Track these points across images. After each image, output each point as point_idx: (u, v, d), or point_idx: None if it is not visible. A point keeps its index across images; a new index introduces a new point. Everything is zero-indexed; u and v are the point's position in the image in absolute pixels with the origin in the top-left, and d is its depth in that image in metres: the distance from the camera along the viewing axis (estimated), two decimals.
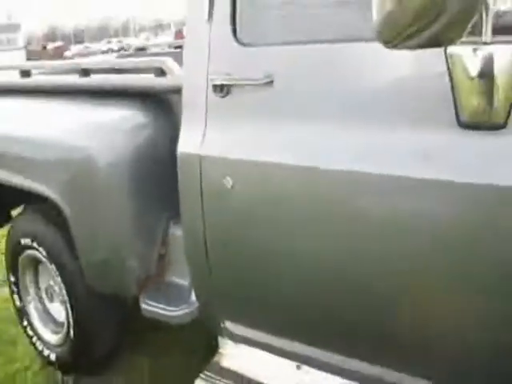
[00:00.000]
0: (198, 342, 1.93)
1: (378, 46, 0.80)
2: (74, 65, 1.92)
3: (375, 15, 0.77)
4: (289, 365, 1.43)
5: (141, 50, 2.99)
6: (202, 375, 1.52)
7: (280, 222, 1.20)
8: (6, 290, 2.28)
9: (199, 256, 1.38)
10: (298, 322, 1.35)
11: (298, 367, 1.42)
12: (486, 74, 0.88)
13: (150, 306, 1.58)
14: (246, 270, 1.34)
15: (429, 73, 0.96)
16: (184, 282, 1.57)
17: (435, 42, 0.80)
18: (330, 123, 1.09)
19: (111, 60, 2.09)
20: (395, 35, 0.78)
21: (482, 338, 1.01)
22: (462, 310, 1.03)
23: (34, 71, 2.03)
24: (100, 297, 1.81)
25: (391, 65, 1.01)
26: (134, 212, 1.57)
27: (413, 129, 0.98)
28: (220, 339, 1.58)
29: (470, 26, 0.78)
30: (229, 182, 1.21)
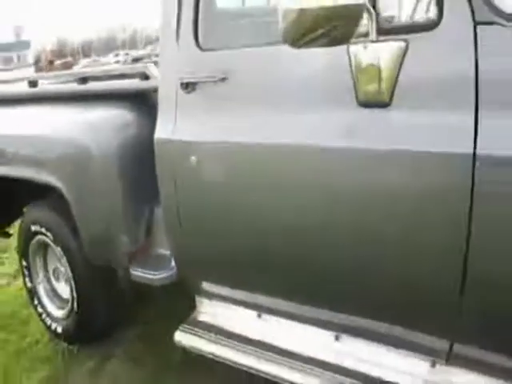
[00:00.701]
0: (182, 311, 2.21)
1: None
2: (74, 74, 2.23)
3: (281, 23, 1.07)
4: (252, 314, 1.70)
5: (137, 60, 3.32)
6: (181, 328, 1.81)
7: (236, 190, 1.50)
8: (17, 282, 2.58)
9: (174, 226, 1.68)
10: (260, 277, 1.63)
11: (259, 316, 1.70)
12: (374, 65, 1.18)
13: (138, 272, 1.88)
14: (214, 236, 1.63)
15: (339, 65, 1.24)
16: (166, 252, 1.86)
17: (335, 43, 1.09)
18: (271, 108, 1.38)
19: (103, 68, 2.40)
20: (299, 39, 1.07)
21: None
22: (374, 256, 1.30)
23: (40, 81, 2.36)
24: (98, 273, 2.11)
25: (313, 61, 1.30)
26: (124, 195, 1.86)
27: (330, 109, 1.27)
28: (197, 298, 1.86)
29: (356, 29, 1.08)
30: (194, 160, 1.51)
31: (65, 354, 2.23)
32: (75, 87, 2.06)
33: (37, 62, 17.79)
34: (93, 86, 2.02)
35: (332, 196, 1.31)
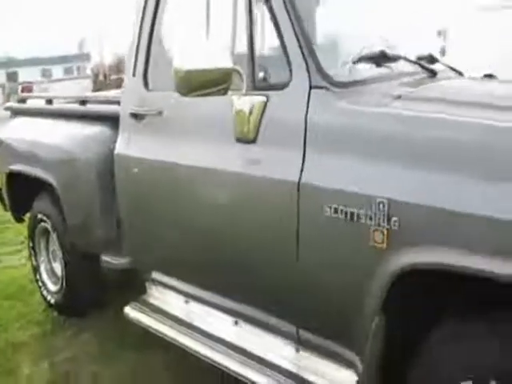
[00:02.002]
0: None
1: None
2: (76, 97, 2.79)
3: (174, 78, 1.50)
4: (181, 299, 2.12)
5: None
6: (131, 305, 2.26)
7: (164, 198, 1.94)
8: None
9: (125, 223, 2.15)
10: (184, 268, 2.05)
11: (186, 302, 2.11)
12: (244, 112, 1.58)
13: (106, 257, 2.36)
14: (150, 233, 2.08)
15: (226, 110, 1.64)
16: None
17: (215, 95, 1.52)
18: (186, 138, 1.82)
19: (96, 94, 2.94)
20: (187, 91, 1.51)
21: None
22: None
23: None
24: (82, 257, 2.61)
25: (212, 105, 1.70)
26: (100, 195, 2.35)
27: (221, 142, 1.68)
28: (146, 284, 2.30)
29: (229, 85, 1.49)
30: (136, 171, 1.98)
31: (53, 321, 2.76)
32: (73, 107, 2.61)
33: (95, 74, 19.24)
34: (85, 108, 2.55)
35: (215, 206, 1.72)
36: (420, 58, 1.98)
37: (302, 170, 1.44)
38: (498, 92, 1.80)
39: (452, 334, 1.26)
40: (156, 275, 2.24)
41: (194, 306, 2.08)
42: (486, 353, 1.18)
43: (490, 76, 2.11)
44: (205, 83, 1.50)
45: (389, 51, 1.70)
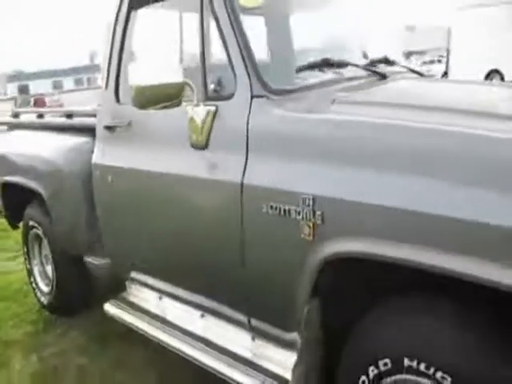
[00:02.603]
0: None
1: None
2: (64, 111, 2.98)
3: (132, 93, 1.68)
4: (155, 296, 2.28)
5: None
6: (110, 301, 2.43)
7: (136, 201, 2.10)
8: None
9: (104, 228, 2.32)
10: (157, 267, 2.21)
11: (160, 298, 2.26)
12: (196, 121, 1.74)
13: (88, 259, 2.53)
14: (125, 236, 2.24)
15: (183, 120, 1.81)
16: None
17: (168, 107, 1.68)
18: (152, 147, 1.98)
19: (84, 108, 3.13)
20: (143, 105, 1.68)
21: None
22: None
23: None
24: (70, 260, 2.78)
25: (174, 116, 1.86)
26: (82, 202, 2.52)
27: (179, 148, 1.84)
28: (127, 283, 2.47)
29: (181, 97, 1.66)
30: (110, 178, 2.15)
31: (45, 320, 2.95)
32: (59, 121, 2.80)
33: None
34: (70, 121, 2.75)
35: (175, 209, 1.89)
36: (374, 62, 2.14)
37: (244, 172, 1.59)
38: (440, 93, 1.94)
39: (374, 318, 1.40)
40: (134, 274, 2.40)
41: (167, 301, 2.23)
42: (400, 335, 1.32)
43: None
44: (159, 97, 1.67)
45: (334, 58, 1.86)
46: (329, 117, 1.50)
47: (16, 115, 3.33)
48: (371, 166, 1.33)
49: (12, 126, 3.30)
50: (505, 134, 1.22)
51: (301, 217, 1.43)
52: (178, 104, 1.70)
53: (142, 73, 1.68)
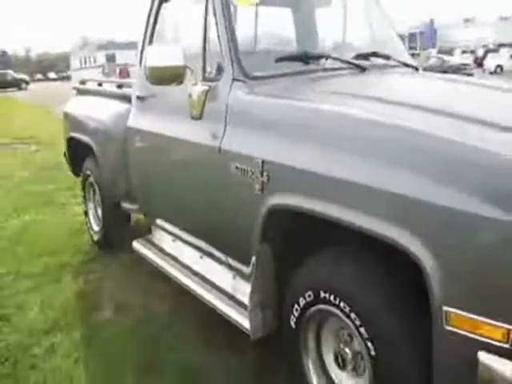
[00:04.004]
0: None
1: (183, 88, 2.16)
2: (117, 82, 3.55)
3: (147, 72, 2.15)
4: (170, 238, 2.80)
5: None
6: (138, 240, 3.00)
7: (156, 159, 2.61)
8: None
9: (134, 181, 2.86)
10: (173, 215, 2.72)
11: (174, 240, 2.78)
12: (193, 97, 2.17)
13: (124, 204, 3.12)
14: (151, 190, 2.77)
15: (186, 95, 2.25)
16: None
17: (177, 84, 2.14)
18: (168, 115, 2.46)
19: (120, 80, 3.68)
20: (155, 81, 2.16)
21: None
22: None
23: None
24: (112, 204, 3.38)
25: (182, 92, 2.31)
26: (122, 157, 3.08)
27: (183, 120, 2.29)
28: (152, 227, 3.02)
29: (183, 77, 2.11)
30: (137, 139, 2.67)
31: (95, 253, 3.62)
32: (111, 90, 3.37)
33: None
34: (119, 90, 3.30)
35: (180, 166, 2.36)
36: (362, 55, 2.43)
37: (222, 139, 2.01)
38: (407, 88, 2.18)
39: (306, 262, 1.78)
40: (158, 221, 2.94)
41: (178, 243, 2.75)
42: (319, 274, 1.69)
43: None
44: (166, 76, 2.13)
45: (313, 52, 2.20)
46: (280, 101, 1.87)
47: (83, 82, 3.98)
48: (306, 140, 1.69)
49: (78, 92, 3.95)
50: (430, 129, 1.42)
51: (254, 176, 1.83)
52: (181, 82, 2.14)
53: (156, 55, 2.14)
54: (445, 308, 1.28)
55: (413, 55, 29.59)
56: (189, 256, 2.64)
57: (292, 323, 1.81)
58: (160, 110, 2.54)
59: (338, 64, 2.29)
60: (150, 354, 2.34)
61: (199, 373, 2.20)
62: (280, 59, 2.14)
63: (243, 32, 2.20)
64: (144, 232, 3.15)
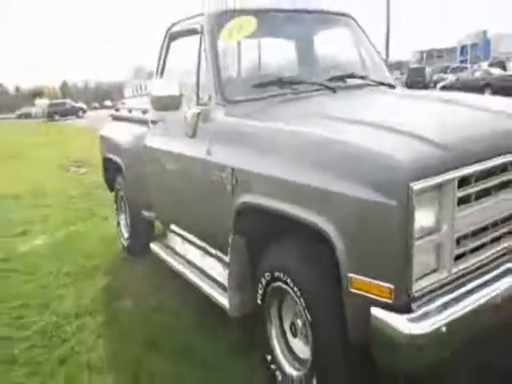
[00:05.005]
0: None
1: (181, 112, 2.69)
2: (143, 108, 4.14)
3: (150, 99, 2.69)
4: (180, 240, 3.27)
5: None
6: (155, 242, 3.51)
7: (164, 171, 3.12)
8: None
9: (151, 193, 3.39)
10: (180, 220, 3.20)
11: (183, 242, 3.25)
12: (188, 119, 2.65)
13: (144, 213, 3.65)
14: (162, 198, 3.27)
15: (183, 118, 2.74)
16: None
17: (175, 110, 2.66)
18: (171, 135, 2.96)
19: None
20: (157, 108, 2.69)
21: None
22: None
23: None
24: (136, 213, 3.90)
25: (178, 115, 2.81)
26: (142, 172, 3.62)
27: (182, 139, 2.78)
28: (167, 232, 3.51)
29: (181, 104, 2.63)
30: (150, 156, 3.20)
31: (125, 257, 4.17)
32: (136, 115, 3.95)
33: None
34: (142, 116, 3.87)
35: (180, 176, 2.85)
36: (334, 78, 2.84)
37: (208, 153, 2.48)
38: (367, 106, 2.54)
39: (268, 248, 2.18)
40: (173, 227, 3.43)
41: (186, 245, 3.22)
42: (275, 257, 2.10)
43: None
44: (165, 103, 2.64)
45: (289, 77, 2.64)
46: (247, 121, 2.33)
47: (117, 110, 4.62)
48: (264, 150, 2.12)
49: (114, 118, 4.59)
50: (343, 137, 1.81)
51: (227, 180, 2.27)
52: (178, 108, 2.64)
53: (157, 87, 2.66)
54: (349, 275, 1.65)
55: (459, 69, 29.15)
56: (193, 254, 3.10)
57: (258, 300, 2.21)
58: (167, 131, 3.05)
59: (311, 87, 2.72)
60: (157, 334, 2.80)
61: (193, 348, 2.63)
62: (256, 85, 2.60)
63: (228, 63, 2.67)
64: (162, 236, 3.66)
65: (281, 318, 2.21)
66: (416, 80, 24.10)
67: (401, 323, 1.53)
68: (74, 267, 3.99)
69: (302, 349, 2.09)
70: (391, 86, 3.06)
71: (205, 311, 2.92)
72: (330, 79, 2.83)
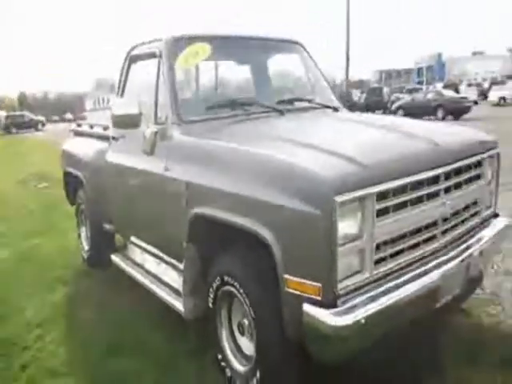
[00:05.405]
0: None
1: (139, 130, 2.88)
2: (103, 125, 4.30)
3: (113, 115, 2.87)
4: (139, 251, 3.44)
5: None
6: (115, 254, 3.66)
7: (122, 185, 3.29)
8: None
9: (110, 207, 3.55)
10: (139, 232, 3.37)
11: (142, 253, 3.42)
12: (146, 137, 2.86)
13: (105, 225, 3.80)
14: (122, 211, 3.44)
15: (141, 136, 2.95)
16: None
17: (134, 128, 2.86)
18: (131, 151, 3.15)
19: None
20: (115, 125, 2.88)
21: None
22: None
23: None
24: (96, 226, 4.05)
25: (137, 133, 3.02)
26: (102, 186, 3.78)
27: (141, 155, 2.98)
28: (127, 243, 3.67)
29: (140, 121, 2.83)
30: (110, 170, 3.37)
31: (85, 269, 4.27)
32: (96, 131, 4.11)
33: None
34: (102, 132, 4.03)
35: (139, 190, 3.04)
36: (283, 101, 3.12)
37: (164, 169, 2.68)
38: (308, 128, 2.81)
39: (219, 255, 2.40)
40: (133, 238, 3.59)
41: (145, 255, 3.39)
42: (225, 264, 2.32)
43: None
44: (125, 121, 2.84)
45: (241, 99, 2.90)
46: (198, 140, 2.56)
47: (78, 125, 4.76)
48: (212, 166, 2.35)
49: (75, 133, 4.72)
50: (273, 153, 2.09)
51: (182, 193, 2.49)
52: (137, 126, 2.85)
53: (117, 105, 2.86)
54: (284, 276, 1.90)
55: (415, 90, 30.63)
56: (151, 263, 3.28)
57: (210, 303, 2.42)
58: (127, 148, 3.24)
59: (261, 109, 2.98)
60: (117, 339, 2.95)
61: (151, 349, 2.81)
62: (209, 106, 2.84)
63: (185, 85, 2.90)
64: (123, 248, 3.81)
65: (230, 320, 2.43)
66: (374, 100, 25.19)
67: (327, 316, 1.78)
68: (34, 279, 4.06)
69: (248, 346, 2.31)
70: (335, 109, 3.37)
71: (162, 316, 3.09)
72: (279, 102, 3.11)
